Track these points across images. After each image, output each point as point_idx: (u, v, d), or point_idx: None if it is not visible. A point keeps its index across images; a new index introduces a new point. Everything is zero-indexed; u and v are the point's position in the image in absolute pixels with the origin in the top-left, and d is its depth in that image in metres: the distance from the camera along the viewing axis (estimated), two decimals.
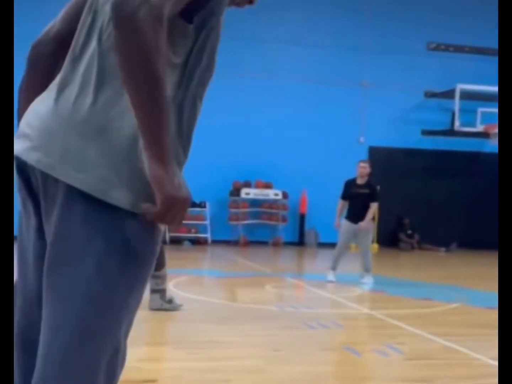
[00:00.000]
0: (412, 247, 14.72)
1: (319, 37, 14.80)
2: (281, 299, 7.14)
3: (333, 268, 8.34)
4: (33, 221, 1.40)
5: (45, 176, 1.30)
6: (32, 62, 1.56)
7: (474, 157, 15.69)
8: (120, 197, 1.27)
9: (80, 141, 1.28)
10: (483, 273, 10.67)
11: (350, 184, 8.53)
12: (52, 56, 1.54)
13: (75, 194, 1.27)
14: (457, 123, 14.52)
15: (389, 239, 14.79)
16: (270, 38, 14.32)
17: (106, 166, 1.27)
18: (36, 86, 1.51)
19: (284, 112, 14.40)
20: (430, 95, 15.42)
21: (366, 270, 8.39)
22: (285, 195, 14.45)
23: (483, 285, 8.66)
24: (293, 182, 14.43)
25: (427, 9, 15.30)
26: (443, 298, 7.09)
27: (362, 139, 15.12)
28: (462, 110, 14.55)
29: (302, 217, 14.79)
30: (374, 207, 8.36)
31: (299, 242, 14.71)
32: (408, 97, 15.36)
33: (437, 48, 15.47)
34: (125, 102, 1.24)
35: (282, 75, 14.35)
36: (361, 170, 8.43)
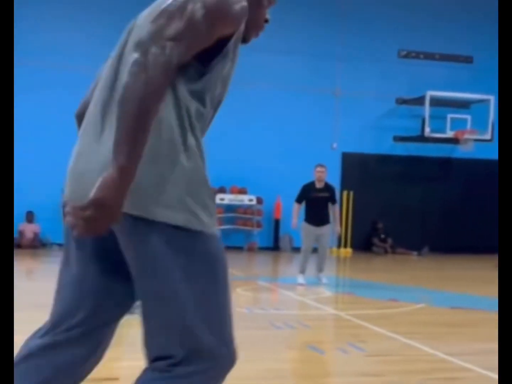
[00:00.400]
0: (386, 251, 14.95)
1: (292, 45, 15.03)
2: (251, 302, 7.30)
3: (302, 271, 8.53)
4: (89, 249, 1.70)
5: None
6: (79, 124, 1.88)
7: (445, 163, 15.99)
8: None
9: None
10: (451, 275, 10.95)
11: (308, 188, 8.71)
12: None
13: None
14: (427, 129, 14.82)
15: (363, 243, 15.01)
16: (242, 46, 14.44)
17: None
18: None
19: (258, 118, 14.60)
20: (401, 102, 15.70)
21: (321, 270, 8.67)
22: (259, 201, 14.62)
23: (449, 287, 8.92)
24: (268, 187, 14.60)
25: (398, 17, 15.59)
26: (409, 299, 7.28)
27: (335, 145, 15.36)
28: (432, 117, 14.86)
29: (276, 222, 14.97)
30: (337, 209, 8.61)
31: (274, 247, 14.88)
32: (380, 104, 15.64)
33: (407, 55, 15.81)
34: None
35: (256, 82, 14.55)
36: (319, 175, 8.62)
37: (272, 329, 5.41)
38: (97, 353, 1.78)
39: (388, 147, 15.53)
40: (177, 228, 1.55)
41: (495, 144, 15.19)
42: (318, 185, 8.67)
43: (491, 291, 8.51)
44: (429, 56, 15.89)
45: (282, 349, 4.72)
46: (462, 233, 15.76)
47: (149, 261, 1.58)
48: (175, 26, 1.53)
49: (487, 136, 15.05)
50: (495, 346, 4.99)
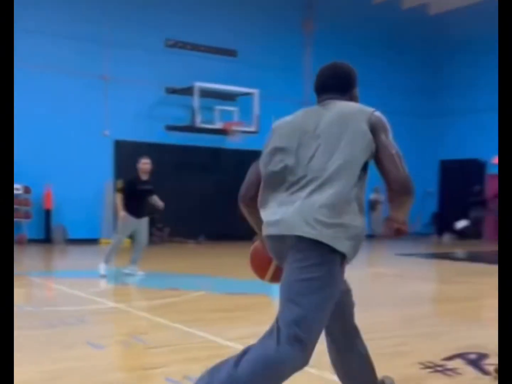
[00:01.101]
0: (163, 240, 15.06)
1: (58, 27, 14.33)
2: (23, 299, 6.77)
3: (108, 261, 8.37)
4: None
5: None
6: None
7: (216, 153, 16.55)
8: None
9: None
10: (226, 262, 11.39)
11: (134, 181, 8.61)
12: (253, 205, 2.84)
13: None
14: (197, 120, 15.18)
15: None
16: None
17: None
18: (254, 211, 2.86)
19: (22, 103, 13.64)
20: (172, 91, 15.82)
21: (135, 262, 8.61)
22: (27, 190, 13.76)
23: (226, 273, 9.28)
24: (36, 176, 13.78)
25: (166, 6, 15.66)
26: (190, 287, 7.40)
27: (107, 132, 14.99)
28: (202, 107, 15.24)
29: (47, 213, 14.21)
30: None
31: (46, 239, 14.12)
32: (151, 92, 15.62)
33: (174, 45, 15.97)
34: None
35: (21, 63, 13.56)
36: (145, 167, 8.61)
37: (48, 327, 5.11)
38: None
39: (161, 135, 15.58)
40: None
41: (260, 136, 16.16)
42: (144, 177, 8.67)
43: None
44: (196, 48, 16.21)
45: (58, 348, 4.46)
46: (234, 221, 16.48)
47: None
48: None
49: (253, 128, 15.92)
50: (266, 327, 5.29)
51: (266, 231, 2.66)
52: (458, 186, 18.44)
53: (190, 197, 16.00)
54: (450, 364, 4.05)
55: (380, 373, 3.79)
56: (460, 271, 10.27)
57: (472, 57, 18.70)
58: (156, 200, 8.76)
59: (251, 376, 2.47)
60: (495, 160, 17.81)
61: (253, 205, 2.81)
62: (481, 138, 17.93)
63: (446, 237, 18.17)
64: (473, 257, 13.52)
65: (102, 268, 8.29)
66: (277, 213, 2.59)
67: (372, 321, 5.47)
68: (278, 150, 2.72)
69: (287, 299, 2.51)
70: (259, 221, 2.76)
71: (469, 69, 18.77)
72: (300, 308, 2.47)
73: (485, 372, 3.87)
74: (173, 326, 5.25)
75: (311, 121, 2.73)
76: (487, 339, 4.90)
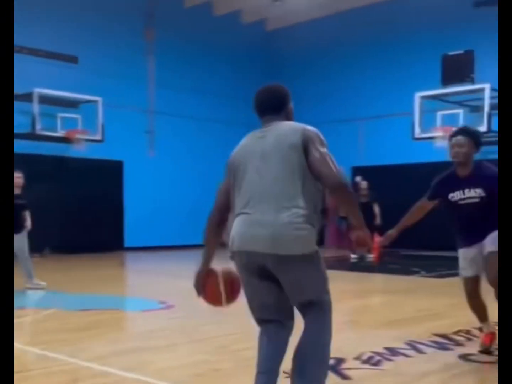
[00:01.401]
0: None
1: None
2: None
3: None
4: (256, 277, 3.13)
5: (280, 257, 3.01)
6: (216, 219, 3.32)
7: (60, 161, 15.84)
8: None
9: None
10: (76, 276, 10.92)
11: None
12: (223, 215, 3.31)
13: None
14: (38, 127, 14.47)
15: None
16: None
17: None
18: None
19: None
20: None
21: (31, 275, 8.72)
22: None
23: (76, 288, 8.89)
24: None
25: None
26: (38, 305, 7.03)
27: None
28: (42, 114, 14.56)
29: None
30: None
31: None
32: None
33: None
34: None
35: None
36: (17, 181, 8.66)
37: None
38: None
39: None
40: None
41: (106, 144, 15.79)
42: (16, 191, 8.66)
43: (114, 290, 8.84)
44: (33, 52, 15.44)
45: None
46: (80, 232, 15.91)
47: None
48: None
49: (98, 136, 15.48)
50: (126, 346, 5.18)
51: None
52: None
53: (32, 207, 15.12)
54: None
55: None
56: None
57: (303, 72, 19.72)
58: (26, 217, 8.62)
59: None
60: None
61: None
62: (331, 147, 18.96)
63: None
64: None
65: None
66: None
67: (232, 331, 5.56)
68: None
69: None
70: None
71: (301, 83, 19.79)
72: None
73: (344, 377, 4.11)
74: (25, 349, 4.95)
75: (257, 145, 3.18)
76: (341, 342, 5.20)
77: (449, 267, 12.08)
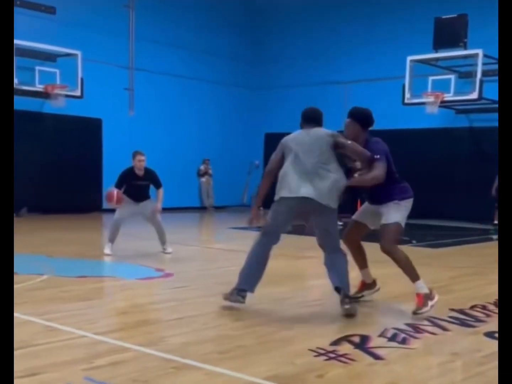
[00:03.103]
0: None
1: None
2: None
3: (111, 240, 8.35)
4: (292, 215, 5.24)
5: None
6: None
7: (36, 118, 15.24)
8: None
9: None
10: (60, 238, 10.53)
11: (128, 175, 8.49)
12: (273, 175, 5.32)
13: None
14: (15, 80, 13.80)
15: None
16: None
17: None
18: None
19: None
20: None
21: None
22: None
23: (62, 252, 8.54)
24: None
25: None
26: (29, 271, 6.65)
27: None
28: (20, 68, 13.90)
29: None
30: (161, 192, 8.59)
31: None
32: None
33: None
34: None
35: None
36: (140, 164, 8.41)
37: None
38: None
39: None
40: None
41: (84, 101, 15.20)
42: (139, 172, 8.44)
43: (103, 255, 8.50)
44: None
45: None
46: (59, 192, 15.43)
47: None
48: None
49: (77, 92, 14.88)
50: (136, 318, 4.90)
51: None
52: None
53: None
54: (340, 349, 4.04)
55: (276, 363, 3.69)
56: (306, 246, 10.51)
57: (292, 31, 19.24)
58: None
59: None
60: None
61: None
62: (299, 112, 18.63)
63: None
64: (300, 230, 14.03)
65: (107, 247, 8.34)
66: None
67: (246, 304, 5.35)
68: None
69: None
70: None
71: (289, 43, 19.31)
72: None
73: (376, 357, 3.92)
74: (29, 320, 4.64)
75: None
76: (358, 317, 5.02)
77: (436, 237, 12.05)
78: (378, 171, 5.15)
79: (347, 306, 4.98)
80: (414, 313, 5.04)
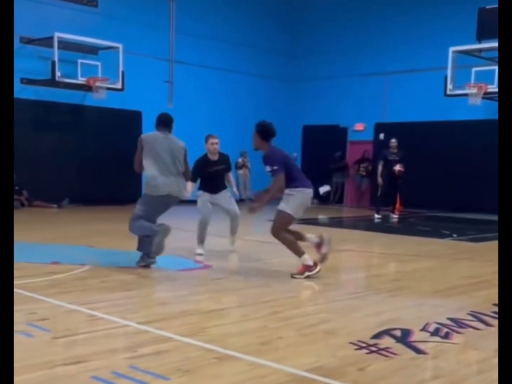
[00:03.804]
0: (22, 205, 13.88)
1: None
2: None
3: (201, 241, 7.70)
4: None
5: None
6: None
7: (78, 110, 15.51)
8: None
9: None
10: (101, 229, 10.70)
11: (203, 163, 7.89)
12: None
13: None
14: (58, 74, 14.06)
15: None
16: None
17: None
18: None
19: None
20: (27, 41, 14.48)
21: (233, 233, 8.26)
22: None
23: (103, 242, 8.67)
24: None
25: None
26: (72, 261, 6.78)
27: None
28: (62, 61, 14.14)
29: None
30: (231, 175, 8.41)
31: None
32: None
33: None
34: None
35: None
36: (213, 147, 7.95)
37: None
38: None
39: (16, 89, 14.21)
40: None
41: (124, 94, 15.37)
42: (212, 157, 7.92)
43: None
44: None
45: None
46: (100, 184, 15.68)
47: None
48: None
49: (118, 85, 15.06)
50: (177, 309, 4.94)
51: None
52: (320, 152, 18.93)
53: (50, 157, 14.90)
54: (382, 343, 4.02)
55: (317, 355, 3.69)
56: (341, 238, 10.47)
57: (331, 23, 19.08)
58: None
59: None
60: (356, 126, 18.53)
61: None
62: (342, 104, 18.50)
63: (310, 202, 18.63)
64: (337, 223, 14.00)
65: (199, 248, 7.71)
66: None
67: (280, 296, 5.36)
68: None
69: None
70: None
71: (328, 35, 19.16)
72: None
73: (419, 351, 3.88)
74: (73, 308, 4.74)
75: None
76: (400, 311, 4.99)
77: (477, 231, 11.86)
78: (279, 182, 6.20)
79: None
80: (292, 276, 6.22)
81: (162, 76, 17.32)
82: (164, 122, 6.74)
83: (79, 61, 14.77)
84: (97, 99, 14.82)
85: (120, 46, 15.01)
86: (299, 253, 6.26)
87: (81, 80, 14.60)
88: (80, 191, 15.21)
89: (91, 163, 15.66)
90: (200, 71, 17.90)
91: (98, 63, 14.94)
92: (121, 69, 15.02)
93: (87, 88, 14.75)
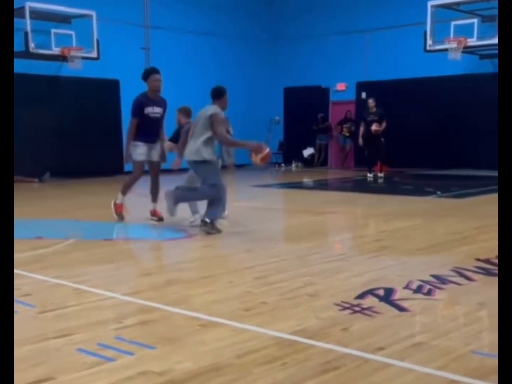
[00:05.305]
0: None
1: None
2: None
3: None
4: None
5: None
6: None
7: (54, 81, 15.25)
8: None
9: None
10: (80, 203, 10.63)
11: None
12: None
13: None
14: (31, 45, 13.80)
15: None
16: None
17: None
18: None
19: None
20: None
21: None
22: None
23: (87, 215, 8.62)
24: None
25: None
26: (55, 235, 6.74)
27: None
28: (35, 31, 13.86)
29: None
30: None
31: None
32: None
33: None
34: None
35: None
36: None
37: None
38: None
39: None
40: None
41: (100, 62, 15.13)
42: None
43: (126, 217, 8.61)
44: None
45: None
46: (80, 156, 15.54)
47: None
48: None
49: (93, 54, 14.82)
50: (162, 278, 4.94)
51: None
52: (302, 114, 18.83)
53: (28, 131, 14.66)
54: (365, 303, 4.06)
55: (301, 318, 3.72)
56: (327, 201, 10.50)
57: None
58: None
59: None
60: (338, 86, 18.40)
61: None
62: (322, 64, 18.33)
63: (294, 166, 18.64)
64: (322, 185, 14.03)
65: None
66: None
67: (264, 261, 5.39)
68: None
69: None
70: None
71: None
72: None
73: (401, 309, 3.92)
74: (58, 283, 4.73)
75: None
76: (384, 270, 5.03)
77: (461, 187, 11.94)
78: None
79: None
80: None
81: (139, 42, 17.05)
82: (210, 94, 6.94)
83: (53, 30, 14.48)
84: (73, 69, 14.58)
85: (93, 13, 14.73)
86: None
87: (55, 50, 14.34)
88: (61, 164, 15.07)
89: (70, 135, 15.48)
90: (177, 36, 17.62)
91: (72, 32, 14.66)
92: (95, 37, 14.77)
93: (62, 58, 14.49)
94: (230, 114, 18.19)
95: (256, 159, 6.54)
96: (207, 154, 6.70)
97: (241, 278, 4.85)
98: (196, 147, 6.70)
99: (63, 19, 14.98)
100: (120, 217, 7.66)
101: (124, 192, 7.72)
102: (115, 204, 7.71)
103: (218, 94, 6.83)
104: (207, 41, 18.26)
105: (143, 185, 8.35)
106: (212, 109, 6.75)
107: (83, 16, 14.76)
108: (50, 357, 3.21)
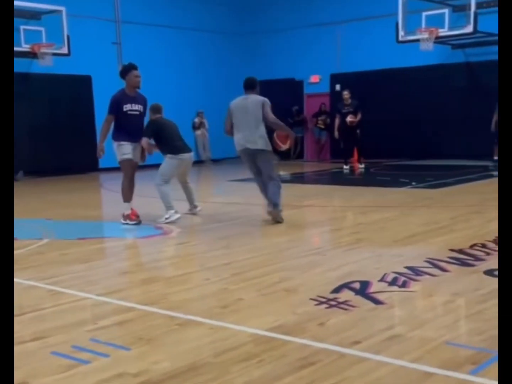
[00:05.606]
0: None
1: None
2: None
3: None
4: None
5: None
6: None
7: (24, 78, 15.02)
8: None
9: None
10: (56, 200, 10.51)
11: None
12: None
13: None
14: None
15: None
16: None
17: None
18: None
19: None
20: None
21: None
22: None
23: (60, 215, 8.52)
24: None
25: None
26: (30, 235, 6.67)
27: None
28: None
29: None
30: None
31: None
32: None
33: None
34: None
35: None
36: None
37: None
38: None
39: None
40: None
41: (72, 59, 14.94)
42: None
43: (101, 215, 8.53)
44: None
45: None
46: (54, 153, 15.37)
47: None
48: None
49: (64, 50, 14.64)
50: (138, 277, 4.92)
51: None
52: (277, 107, 18.68)
53: None
54: (341, 296, 4.07)
55: (277, 314, 3.73)
56: (303, 194, 10.52)
57: None
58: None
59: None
60: (312, 79, 18.41)
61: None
62: (295, 57, 18.31)
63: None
64: (298, 179, 14.05)
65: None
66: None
67: (240, 258, 5.38)
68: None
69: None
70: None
71: None
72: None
73: (377, 302, 3.95)
74: (32, 285, 4.67)
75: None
76: (360, 263, 5.06)
77: (436, 177, 12.04)
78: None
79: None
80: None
81: (110, 38, 16.86)
82: (244, 86, 7.24)
83: (22, 27, 14.24)
84: (44, 65, 14.38)
85: (63, 9, 14.54)
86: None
87: (25, 47, 14.12)
88: (34, 163, 14.89)
89: (43, 132, 15.29)
90: (149, 29, 17.47)
91: (42, 29, 14.45)
92: (66, 33, 14.58)
93: (32, 55, 14.29)
94: (205, 107, 18.35)
95: (286, 144, 7.33)
96: (269, 143, 7.16)
97: (218, 275, 4.84)
98: (260, 135, 7.02)
99: (33, 15, 14.75)
100: (138, 221, 7.30)
101: (125, 199, 7.38)
102: (124, 216, 7.34)
103: (253, 85, 7.19)
104: (179, 34, 18.14)
105: (117, 183, 8.28)
106: (259, 97, 7.08)
107: (53, 12, 14.56)
108: (25, 361, 3.17)
